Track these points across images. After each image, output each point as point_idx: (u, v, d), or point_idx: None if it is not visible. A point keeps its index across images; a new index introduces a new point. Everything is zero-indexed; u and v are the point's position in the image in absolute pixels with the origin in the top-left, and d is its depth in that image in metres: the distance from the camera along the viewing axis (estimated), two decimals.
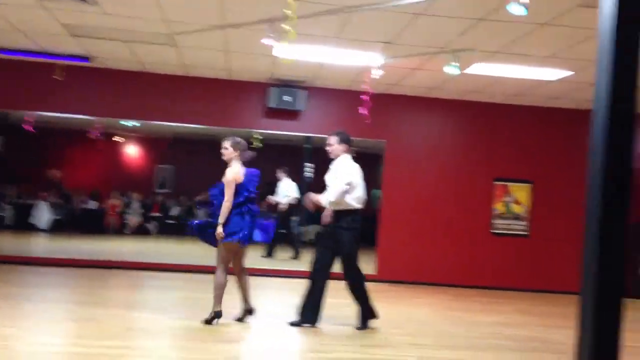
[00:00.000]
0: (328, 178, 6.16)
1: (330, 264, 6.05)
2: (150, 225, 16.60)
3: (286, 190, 11.86)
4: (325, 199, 6.02)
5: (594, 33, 2.85)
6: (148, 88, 9.84)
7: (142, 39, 7.80)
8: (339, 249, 5.95)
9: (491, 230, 10.37)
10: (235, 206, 5.71)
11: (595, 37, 2.84)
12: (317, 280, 6.03)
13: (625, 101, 2.77)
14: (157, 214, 16.96)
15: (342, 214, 5.99)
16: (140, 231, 16.21)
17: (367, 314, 6.12)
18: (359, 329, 6.05)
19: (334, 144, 6.17)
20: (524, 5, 5.19)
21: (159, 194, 17.77)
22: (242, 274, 6.02)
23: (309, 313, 6.01)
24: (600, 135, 2.79)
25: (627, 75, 2.76)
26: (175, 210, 17.22)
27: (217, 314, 5.77)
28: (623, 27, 2.72)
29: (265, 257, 11.32)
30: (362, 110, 8.66)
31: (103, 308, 6.35)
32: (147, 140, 18.00)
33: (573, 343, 2.78)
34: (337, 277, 6.06)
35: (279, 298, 8.06)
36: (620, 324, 2.88)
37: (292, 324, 5.98)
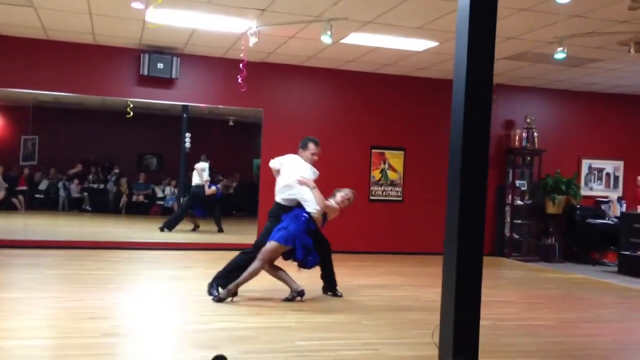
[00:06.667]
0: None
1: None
2: (17, 200, 15.62)
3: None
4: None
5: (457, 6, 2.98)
6: (4, 52, 9.11)
7: None
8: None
9: (369, 197, 10.71)
10: None
11: None
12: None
13: (482, 70, 2.93)
14: (24, 188, 15.97)
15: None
16: (6, 206, 15.21)
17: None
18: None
19: None
20: None
21: (25, 166, 16.70)
22: None
23: None
24: (460, 103, 2.94)
25: (483, 46, 2.91)
26: (43, 184, 16.30)
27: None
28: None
29: (162, 229, 11.16)
30: (239, 79, 8.55)
31: None
32: (7, 109, 16.74)
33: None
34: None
35: (163, 272, 7.92)
36: (479, 281, 3.09)
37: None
